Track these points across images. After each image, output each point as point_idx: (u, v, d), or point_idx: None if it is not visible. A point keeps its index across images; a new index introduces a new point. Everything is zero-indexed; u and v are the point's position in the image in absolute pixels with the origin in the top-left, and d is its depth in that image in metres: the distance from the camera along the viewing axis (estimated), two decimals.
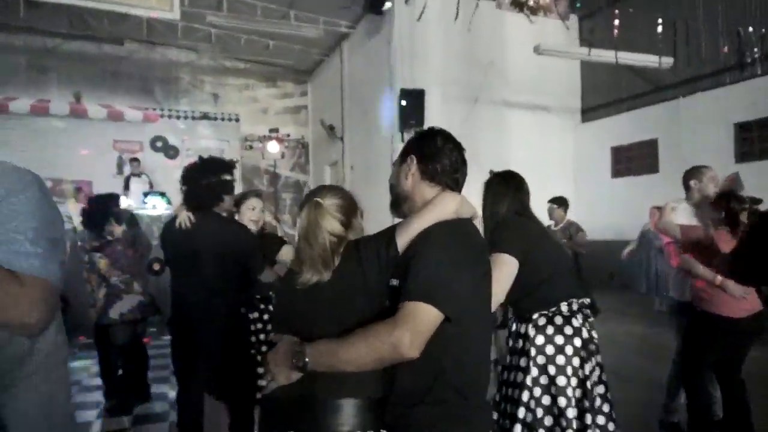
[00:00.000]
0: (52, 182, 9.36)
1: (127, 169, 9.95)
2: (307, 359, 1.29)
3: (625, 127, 9.39)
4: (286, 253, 2.93)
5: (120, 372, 4.34)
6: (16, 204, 1.11)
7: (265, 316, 3.11)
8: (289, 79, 12.40)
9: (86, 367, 5.28)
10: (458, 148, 1.52)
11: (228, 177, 2.91)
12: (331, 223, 1.44)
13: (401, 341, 1.20)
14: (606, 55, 7.80)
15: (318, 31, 9.32)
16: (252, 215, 3.09)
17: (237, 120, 11.51)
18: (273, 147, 11.13)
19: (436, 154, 1.48)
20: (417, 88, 8.21)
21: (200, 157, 3.01)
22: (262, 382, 1.58)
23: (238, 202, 3.13)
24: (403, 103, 8.10)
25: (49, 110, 9.92)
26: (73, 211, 7.58)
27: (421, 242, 1.34)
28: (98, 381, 4.80)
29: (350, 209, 1.50)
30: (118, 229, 4.09)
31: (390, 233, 1.41)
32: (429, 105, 8.16)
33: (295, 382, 1.34)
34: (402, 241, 1.37)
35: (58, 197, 9.09)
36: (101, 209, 4.12)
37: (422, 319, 1.24)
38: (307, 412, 1.35)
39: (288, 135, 12.11)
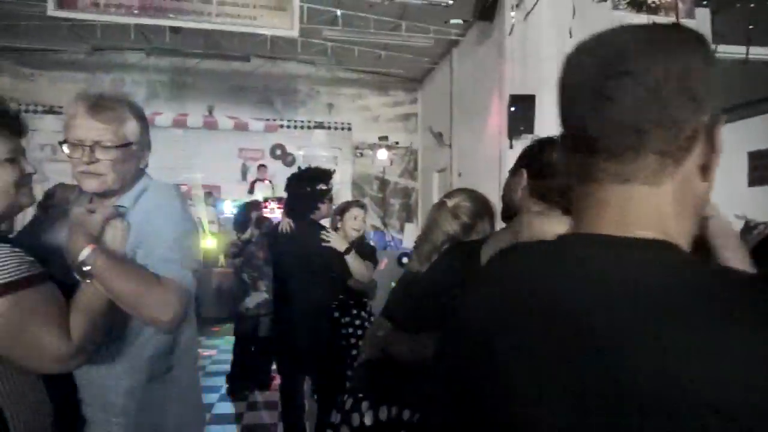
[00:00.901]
0: (188, 186, 10.45)
1: (250, 176, 10.81)
2: None
3: (765, 131, 8.42)
4: (350, 262, 2.99)
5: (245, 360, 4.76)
6: (162, 217, 1.35)
7: (357, 321, 3.22)
8: (400, 88, 12.67)
9: (210, 356, 5.83)
10: None
11: (323, 186, 3.09)
12: (450, 224, 1.49)
13: None
14: (736, 51, 7.08)
15: (428, 40, 9.46)
16: (354, 224, 3.25)
17: (349, 128, 11.99)
18: (382, 154, 11.44)
19: (547, 171, 1.36)
20: (527, 94, 8.03)
21: (299, 167, 3.26)
22: None
23: (343, 210, 3.31)
24: (513, 109, 7.96)
25: (187, 123, 11.05)
26: (202, 213, 8.40)
27: None
28: (220, 367, 5.29)
29: (477, 213, 1.51)
30: (255, 233, 4.56)
31: (478, 245, 1.43)
32: (540, 111, 7.94)
33: None
34: (485, 256, 1.38)
35: (192, 200, 10.13)
36: (246, 214, 4.64)
37: None
38: None
39: (397, 142, 12.38)
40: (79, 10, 7.27)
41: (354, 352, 3.10)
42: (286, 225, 3.03)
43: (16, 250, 1.17)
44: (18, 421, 1.15)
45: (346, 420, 1.53)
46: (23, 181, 1.28)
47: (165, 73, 11.68)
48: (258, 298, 4.50)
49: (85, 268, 1.22)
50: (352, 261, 2.94)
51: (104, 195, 1.39)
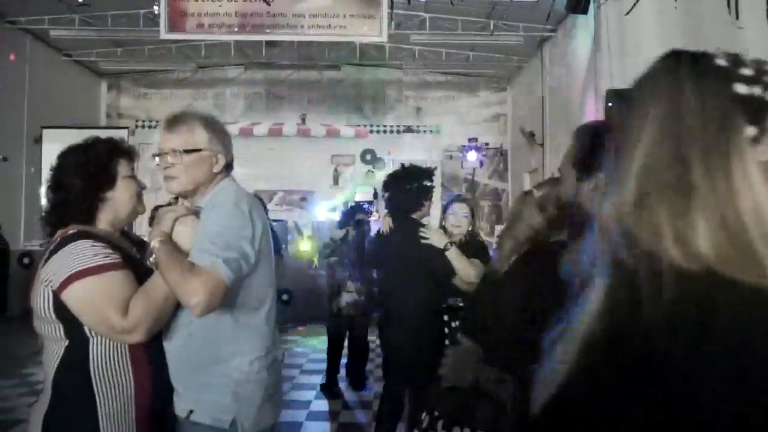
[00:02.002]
0: (284, 193, 10.96)
1: (341, 181, 11.18)
2: None
3: None
4: (451, 259, 2.81)
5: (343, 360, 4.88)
6: (212, 214, 1.51)
7: None
8: (489, 88, 12.47)
9: (306, 353, 6.06)
10: None
11: (427, 183, 3.04)
12: (534, 215, 1.38)
13: None
14: None
15: (518, 38, 9.24)
16: (455, 220, 3.05)
17: (438, 131, 11.98)
18: (472, 156, 11.32)
19: None
20: (626, 88, 7.59)
21: (402, 165, 3.20)
22: None
23: (445, 207, 3.18)
24: (610, 105, 7.56)
25: (282, 132, 11.59)
26: (296, 217, 8.77)
27: None
28: (316, 365, 5.48)
29: (565, 206, 1.35)
30: (352, 233, 4.68)
31: (555, 248, 1.34)
32: None
33: None
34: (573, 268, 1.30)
35: (288, 206, 10.61)
36: (351, 214, 4.79)
37: None
38: None
39: (487, 144, 12.19)
40: (187, 31, 7.87)
41: None
42: (387, 224, 3.00)
43: (96, 244, 1.45)
44: (106, 394, 1.41)
45: None
46: (139, 194, 1.62)
47: (261, 85, 12.34)
48: (349, 297, 4.60)
49: (151, 259, 1.47)
50: (454, 258, 2.73)
51: (185, 196, 1.65)
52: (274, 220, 6.17)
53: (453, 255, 2.76)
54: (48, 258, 1.45)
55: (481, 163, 11.92)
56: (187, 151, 1.55)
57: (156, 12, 7.76)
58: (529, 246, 1.41)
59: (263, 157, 11.12)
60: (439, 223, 3.14)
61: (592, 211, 1.20)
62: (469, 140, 11.83)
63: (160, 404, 1.50)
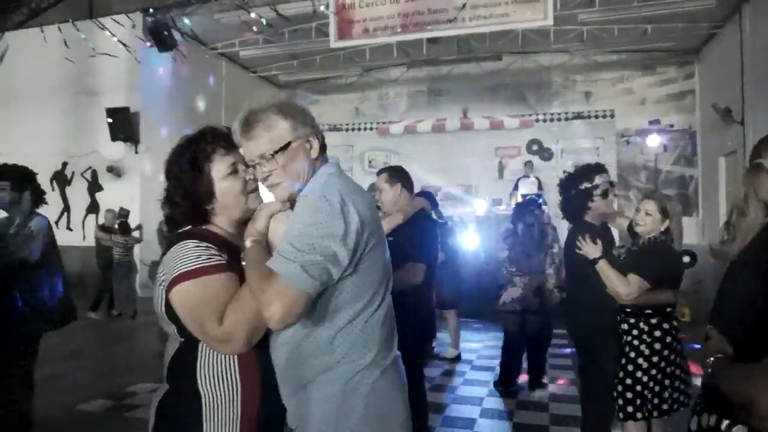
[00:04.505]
0: (448, 187, 11.02)
1: (506, 174, 10.91)
2: None
3: None
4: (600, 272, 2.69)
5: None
6: (298, 209, 1.32)
7: (635, 332, 2.81)
8: (671, 63, 11.16)
9: (477, 350, 6.01)
10: None
11: (587, 184, 2.83)
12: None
13: None
14: None
15: (710, 2, 8.09)
16: (639, 220, 2.77)
17: (612, 116, 11.05)
18: (653, 140, 10.23)
19: None
20: None
21: (564, 172, 3.10)
22: None
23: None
24: None
25: (445, 127, 11.68)
26: (462, 212, 8.77)
27: None
28: (487, 362, 5.41)
29: None
30: (520, 228, 4.58)
31: None
32: None
33: None
34: None
35: (451, 200, 10.65)
36: (520, 210, 4.71)
37: None
38: None
39: (671, 126, 10.92)
40: (354, 38, 8.32)
41: (646, 367, 2.64)
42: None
43: (201, 245, 1.35)
44: (210, 395, 1.34)
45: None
46: (249, 188, 1.45)
47: (423, 83, 12.57)
48: (514, 293, 4.45)
49: (243, 262, 1.34)
50: (602, 272, 2.63)
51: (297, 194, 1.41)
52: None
53: (601, 268, 2.66)
54: (161, 259, 1.42)
55: (665, 148, 10.72)
56: (277, 151, 1.36)
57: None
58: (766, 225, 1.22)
59: (426, 152, 11.31)
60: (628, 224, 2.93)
61: None
62: (650, 123, 10.72)
63: (269, 413, 1.40)
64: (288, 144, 1.37)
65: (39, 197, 3.09)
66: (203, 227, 1.45)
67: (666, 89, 11.25)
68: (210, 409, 1.34)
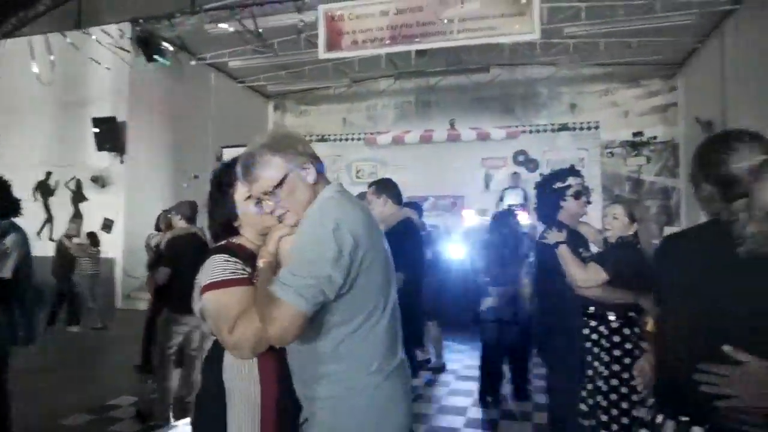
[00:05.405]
0: (434, 198, 11.07)
1: (492, 185, 10.96)
2: None
3: None
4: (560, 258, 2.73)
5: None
6: (297, 235, 1.46)
7: (594, 336, 2.86)
8: (654, 76, 11.34)
9: (461, 359, 6.01)
10: None
11: (560, 184, 2.90)
12: None
13: None
14: None
15: (691, 17, 8.25)
16: (606, 222, 2.98)
17: (596, 127, 11.19)
18: (636, 151, 10.37)
19: None
20: None
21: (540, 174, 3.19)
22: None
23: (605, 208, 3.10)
24: None
25: (433, 138, 11.74)
26: (449, 222, 8.80)
27: None
28: (471, 372, 5.41)
29: None
30: (495, 238, 4.63)
31: None
32: None
33: None
34: None
35: (441, 211, 10.69)
36: (497, 221, 4.76)
37: None
38: None
39: (655, 137, 11.09)
40: (343, 49, 8.36)
41: (603, 372, 2.71)
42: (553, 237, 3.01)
43: (230, 259, 1.55)
44: (232, 390, 1.54)
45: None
46: (266, 211, 1.59)
47: (411, 94, 12.66)
48: (489, 303, 4.48)
49: (255, 281, 1.51)
50: (562, 257, 2.63)
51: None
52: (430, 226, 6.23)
53: (561, 253, 2.67)
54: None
55: (648, 159, 10.87)
56: (276, 186, 1.49)
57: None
58: None
59: (414, 163, 11.36)
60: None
61: None
62: (633, 135, 10.86)
63: (286, 405, 1.55)
64: (284, 177, 1.50)
65: (13, 207, 3.04)
66: (236, 241, 1.67)
67: (650, 102, 11.42)
68: (232, 400, 1.53)
